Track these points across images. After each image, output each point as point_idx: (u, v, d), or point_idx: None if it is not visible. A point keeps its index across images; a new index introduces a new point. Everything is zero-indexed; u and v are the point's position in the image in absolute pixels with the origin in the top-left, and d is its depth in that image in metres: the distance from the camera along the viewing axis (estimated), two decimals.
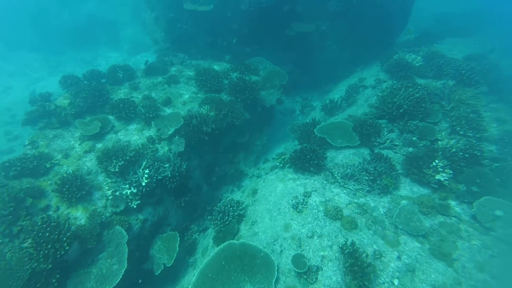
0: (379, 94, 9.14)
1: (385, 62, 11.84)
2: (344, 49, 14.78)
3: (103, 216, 6.85)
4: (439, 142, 7.40)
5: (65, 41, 24.54)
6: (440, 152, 6.89)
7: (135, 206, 7.42)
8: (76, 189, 6.90)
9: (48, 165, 7.52)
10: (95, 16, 26.41)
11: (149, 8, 16.25)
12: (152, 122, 9.02)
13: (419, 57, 10.90)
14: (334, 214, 6.18)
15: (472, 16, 21.51)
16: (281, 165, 8.31)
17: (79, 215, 6.78)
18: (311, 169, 7.51)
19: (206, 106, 9.60)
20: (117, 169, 7.44)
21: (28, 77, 21.59)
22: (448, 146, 7.02)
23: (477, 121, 7.69)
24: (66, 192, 6.78)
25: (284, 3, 13.69)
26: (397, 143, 7.79)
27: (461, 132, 7.57)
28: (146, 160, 7.89)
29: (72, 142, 8.47)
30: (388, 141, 7.80)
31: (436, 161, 6.54)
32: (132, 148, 7.95)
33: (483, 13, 21.78)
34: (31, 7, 27.41)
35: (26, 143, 8.36)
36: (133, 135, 8.86)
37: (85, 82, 10.58)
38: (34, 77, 21.60)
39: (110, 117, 9.24)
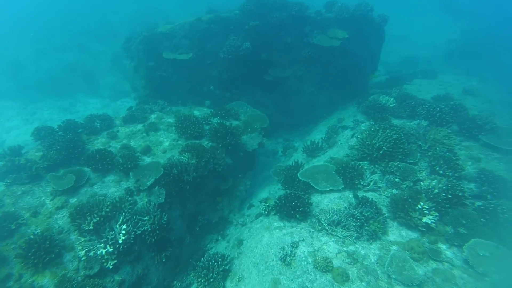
0: (359, 136, 9.36)
1: (361, 104, 12.35)
2: (321, 91, 15.42)
3: (74, 282, 6.22)
4: (421, 183, 7.47)
5: (43, 89, 24.31)
6: (424, 194, 6.92)
7: (111, 267, 6.80)
8: (44, 252, 6.29)
9: (13, 227, 6.90)
10: (74, 65, 26.63)
11: (129, 57, 16.52)
12: (130, 173, 8.67)
13: (392, 99, 11.45)
14: (324, 265, 5.89)
15: (435, 59, 23.49)
16: (266, 212, 8.05)
17: (45, 283, 6.11)
18: (297, 216, 7.30)
19: (186, 153, 9.40)
20: (91, 227, 6.93)
21: (1, 126, 20.82)
22: (430, 187, 7.08)
23: (454, 160, 7.90)
24: (32, 257, 6.15)
25: (261, 51, 14.38)
26: (381, 185, 7.81)
27: (441, 172, 7.72)
28: (123, 214, 7.42)
29: (43, 198, 7.92)
30: (371, 183, 7.81)
31: (421, 203, 6.53)
32: (108, 202, 7.49)
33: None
34: (8, 56, 27.45)
35: None
36: (110, 187, 8.44)
37: (60, 133, 10.24)
38: (8, 126, 20.85)
39: (86, 169, 8.82)
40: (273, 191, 10.74)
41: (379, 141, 8.47)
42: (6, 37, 32.80)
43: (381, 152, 8.33)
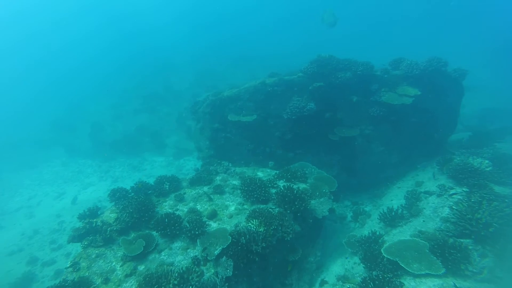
0: (454, 207, 7.95)
1: (444, 165, 10.91)
2: (391, 151, 14.25)
3: None
4: None
5: (116, 149, 26.87)
6: None
7: None
8: None
9: None
10: (144, 126, 29.40)
11: (195, 119, 17.54)
12: (197, 240, 8.33)
13: (486, 161, 9.88)
14: None
15: None
16: None
17: None
18: None
19: (254, 220, 8.86)
20: None
21: (81, 183, 23.02)
22: None
23: None
24: None
25: (325, 111, 14.11)
26: (501, 275, 6.20)
27: None
28: (190, 287, 6.92)
29: (114, 263, 7.90)
30: (485, 271, 6.26)
31: None
32: (176, 274, 7.10)
33: None
34: (91, 118, 31.66)
35: (68, 265, 7.94)
36: (177, 255, 8.14)
37: (132, 194, 10.62)
38: (86, 182, 22.99)
39: (154, 233, 8.76)
40: (348, 265, 9.43)
41: (485, 215, 7.01)
42: (91, 102, 38.34)
43: (491, 230, 6.81)
